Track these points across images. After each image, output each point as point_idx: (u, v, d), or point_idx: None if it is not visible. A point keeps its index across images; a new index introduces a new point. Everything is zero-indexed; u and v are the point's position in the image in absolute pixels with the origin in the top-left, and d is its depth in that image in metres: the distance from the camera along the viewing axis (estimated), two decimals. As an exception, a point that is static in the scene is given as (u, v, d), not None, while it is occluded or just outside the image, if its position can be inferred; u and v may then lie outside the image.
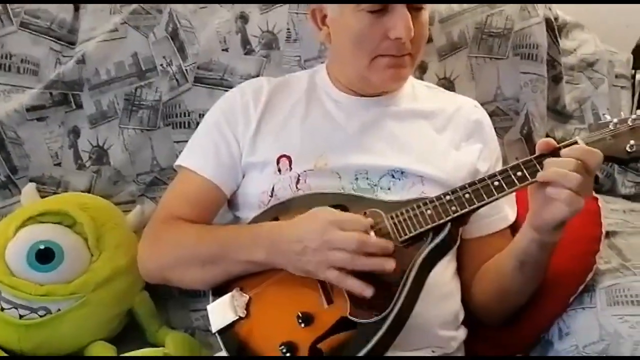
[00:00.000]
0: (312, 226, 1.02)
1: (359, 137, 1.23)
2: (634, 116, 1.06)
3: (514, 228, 1.26)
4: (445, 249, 1.05)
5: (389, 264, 0.99)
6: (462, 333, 1.22)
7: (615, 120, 1.06)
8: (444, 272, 1.18)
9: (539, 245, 1.09)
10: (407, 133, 1.24)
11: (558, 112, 1.62)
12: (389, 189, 1.19)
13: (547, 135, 1.57)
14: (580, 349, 1.19)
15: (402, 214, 1.05)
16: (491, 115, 1.36)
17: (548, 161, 1.01)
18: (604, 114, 1.59)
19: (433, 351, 1.16)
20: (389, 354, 1.02)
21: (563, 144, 1.03)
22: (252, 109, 1.25)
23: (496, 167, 1.28)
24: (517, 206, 1.28)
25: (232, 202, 1.29)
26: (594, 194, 1.32)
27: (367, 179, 1.19)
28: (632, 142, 1.02)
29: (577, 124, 1.62)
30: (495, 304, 1.22)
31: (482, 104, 1.36)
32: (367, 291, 0.98)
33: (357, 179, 1.20)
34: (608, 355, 1.13)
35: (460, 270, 1.25)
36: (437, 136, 1.26)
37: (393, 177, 1.20)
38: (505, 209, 1.24)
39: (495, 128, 1.33)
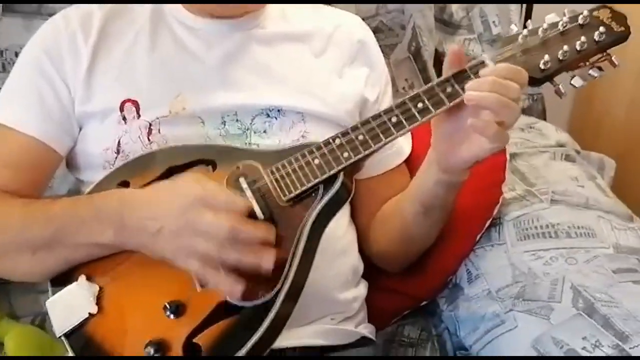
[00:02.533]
0: (173, 202, 0.80)
1: (222, 70, 1.00)
2: (544, 25, 0.89)
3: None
4: (339, 203, 0.86)
5: (267, 259, 0.77)
6: (362, 289, 1.07)
7: (524, 31, 0.89)
8: (338, 224, 1.01)
9: (446, 187, 0.94)
10: (280, 61, 1.03)
11: (445, 23, 1.45)
12: (264, 131, 0.98)
13: (437, 51, 1.40)
14: (494, 293, 1.06)
15: (284, 167, 0.85)
16: (375, 32, 1.17)
17: (477, 82, 0.82)
18: (493, 22, 1.47)
19: (332, 318, 0.99)
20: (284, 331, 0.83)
21: (469, 64, 0.85)
22: (81, 41, 0.98)
23: (386, 93, 1.11)
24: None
25: (70, 162, 1.04)
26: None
27: (238, 121, 0.98)
28: (545, 57, 0.86)
29: (466, 34, 1.47)
30: (399, 251, 1.08)
31: (363, 20, 1.16)
32: (236, 290, 0.77)
33: (224, 123, 0.98)
34: (526, 298, 1.01)
35: (354, 216, 1.09)
36: (316, 62, 1.06)
37: (268, 116, 0.99)
38: (398, 141, 1.07)
39: (380, 47, 1.15)
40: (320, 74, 1.04)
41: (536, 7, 1.61)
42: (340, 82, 1.05)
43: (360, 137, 0.84)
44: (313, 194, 0.84)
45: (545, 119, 1.51)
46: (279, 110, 0.99)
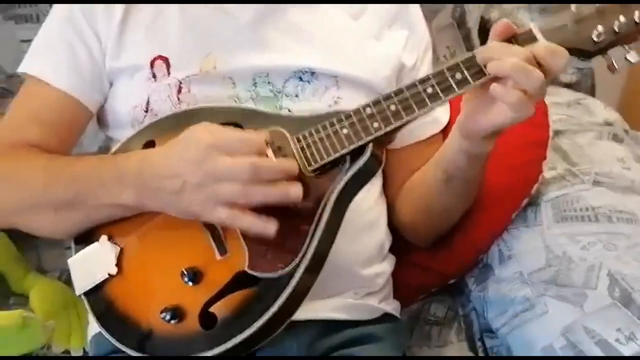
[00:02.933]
0: (188, 154, 0.77)
1: (255, 30, 0.96)
2: None
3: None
4: (367, 175, 0.83)
5: (295, 190, 0.76)
6: (388, 265, 1.04)
7: (576, -1, 0.82)
8: (367, 196, 0.97)
9: (467, 157, 0.89)
10: (314, 22, 0.99)
11: (493, -12, 1.37)
12: (296, 95, 0.95)
13: (482, 19, 1.34)
14: (525, 276, 1.02)
15: (311, 135, 0.82)
16: (416, -5, 1.11)
17: (502, 48, 0.78)
18: (552, -14, 1.39)
19: (355, 293, 0.96)
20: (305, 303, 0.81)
21: (516, 34, 0.80)
22: None
23: (425, 59, 1.06)
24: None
25: (100, 120, 1.02)
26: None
27: (269, 83, 0.95)
28: (600, 28, 0.80)
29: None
30: (421, 222, 1.04)
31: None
32: (269, 228, 0.76)
33: (255, 84, 0.94)
34: (559, 284, 0.96)
35: (384, 187, 1.05)
36: (353, 23, 1.01)
37: (301, 79, 0.95)
38: (436, 110, 1.02)
39: (422, 11, 1.09)
40: (356, 36, 1.00)
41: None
42: (377, 45, 1.01)
43: (393, 107, 0.79)
44: (340, 165, 0.81)
45: (594, 95, 1.43)
46: (312, 74, 0.95)
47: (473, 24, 1.31)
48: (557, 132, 1.21)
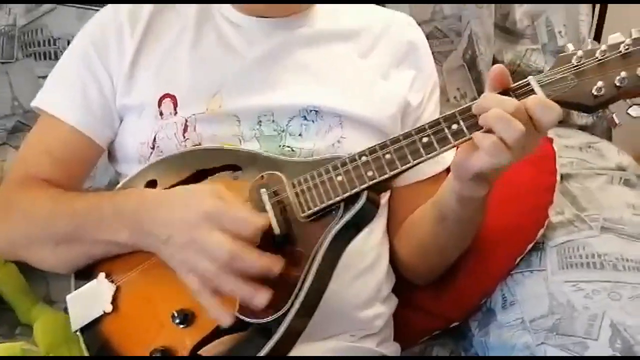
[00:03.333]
0: (185, 214, 0.78)
1: (262, 69, 0.98)
2: (603, 47, 0.81)
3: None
4: (362, 222, 0.83)
5: (260, 298, 0.75)
6: (388, 306, 1.03)
7: (579, 52, 0.81)
8: (370, 236, 0.98)
9: (458, 198, 0.88)
10: (321, 60, 1.00)
11: (507, 31, 1.38)
12: (300, 134, 0.96)
13: (494, 59, 1.34)
14: (527, 323, 1.00)
15: (306, 180, 0.82)
16: (428, 38, 1.11)
17: (495, 99, 0.77)
18: (559, 32, 1.39)
19: (352, 335, 0.96)
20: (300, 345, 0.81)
21: (514, 85, 0.80)
22: (127, 34, 0.98)
23: (432, 99, 1.06)
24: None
25: (110, 154, 1.04)
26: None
27: (274, 122, 0.96)
28: (599, 83, 0.79)
29: (529, 44, 1.39)
30: (418, 262, 1.04)
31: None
32: (224, 319, 0.77)
33: (260, 123, 0.95)
34: (560, 332, 0.95)
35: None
36: (361, 62, 1.02)
37: (305, 118, 0.96)
38: None
39: (433, 53, 1.10)
40: (363, 75, 1.01)
41: (610, 17, 1.51)
42: (384, 84, 1.01)
43: (388, 156, 0.80)
44: (333, 212, 0.81)
45: (610, 139, 1.42)
46: (316, 113, 0.96)
47: (484, 66, 1.31)
48: (567, 176, 1.20)
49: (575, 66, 0.79)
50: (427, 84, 1.06)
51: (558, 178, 1.10)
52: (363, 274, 0.96)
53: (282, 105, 0.96)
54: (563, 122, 1.40)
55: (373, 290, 0.98)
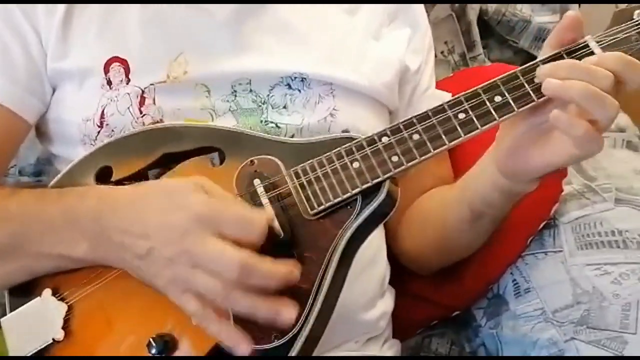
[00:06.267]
0: (167, 218, 0.61)
1: (235, 28, 0.80)
2: None
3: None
4: (380, 218, 0.67)
5: (287, 316, 0.59)
6: (389, 302, 0.89)
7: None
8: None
9: (505, 197, 0.75)
10: (305, 18, 0.83)
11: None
12: (284, 107, 0.79)
13: (480, 9, 1.18)
14: (549, 314, 0.88)
15: (313, 169, 0.66)
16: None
17: (572, 65, 0.63)
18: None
19: (357, 342, 0.83)
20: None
21: (567, 47, 0.65)
22: None
23: (428, 62, 0.92)
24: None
25: (40, 131, 0.84)
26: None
27: (251, 91, 0.78)
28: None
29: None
30: (433, 255, 0.91)
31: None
32: (242, 347, 0.59)
33: (235, 93, 0.78)
34: (591, 326, 0.83)
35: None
36: (349, 20, 0.85)
37: (289, 87, 0.79)
38: None
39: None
40: (353, 36, 0.85)
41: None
42: (376, 45, 0.86)
43: (416, 137, 0.64)
44: (348, 207, 0.65)
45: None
46: (302, 80, 0.79)
47: (473, 15, 1.16)
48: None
49: (637, 23, 0.65)
50: (424, 43, 0.92)
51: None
52: (366, 268, 0.82)
53: (260, 72, 0.79)
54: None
55: (377, 285, 0.85)
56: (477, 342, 1.00)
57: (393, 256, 0.93)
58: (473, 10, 1.16)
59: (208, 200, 0.61)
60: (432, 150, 0.64)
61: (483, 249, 0.93)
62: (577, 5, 1.30)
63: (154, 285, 0.62)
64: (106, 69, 0.77)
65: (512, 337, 0.92)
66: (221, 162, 0.70)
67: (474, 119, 0.64)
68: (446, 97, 0.93)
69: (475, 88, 0.64)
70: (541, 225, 0.95)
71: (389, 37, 0.87)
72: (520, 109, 0.64)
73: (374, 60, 0.84)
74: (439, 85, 0.95)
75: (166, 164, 0.71)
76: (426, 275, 0.96)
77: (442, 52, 1.15)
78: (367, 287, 0.83)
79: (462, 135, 0.64)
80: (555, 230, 0.95)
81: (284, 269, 0.59)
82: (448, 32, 1.15)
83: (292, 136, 0.76)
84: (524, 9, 1.27)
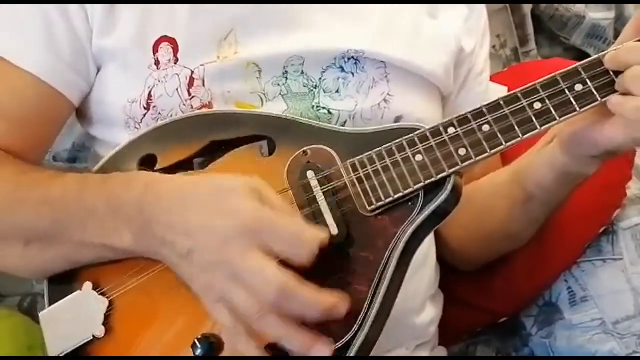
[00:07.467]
0: (214, 221, 0.57)
1: (286, 4, 0.75)
2: None
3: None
4: (442, 216, 0.63)
5: (321, 348, 0.55)
6: (438, 306, 0.86)
7: None
8: None
9: (565, 177, 0.71)
10: None
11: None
12: (336, 91, 0.74)
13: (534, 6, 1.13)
14: (609, 325, 0.84)
15: (371, 161, 0.62)
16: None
17: (620, 51, 0.60)
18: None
19: (407, 348, 0.79)
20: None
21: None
22: None
23: (484, 46, 0.87)
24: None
25: (81, 111, 0.79)
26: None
27: (303, 74, 0.74)
28: None
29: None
30: (473, 245, 0.86)
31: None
32: None
33: (286, 74, 0.73)
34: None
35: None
36: None
37: (343, 70, 0.75)
38: None
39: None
40: (408, 11, 0.79)
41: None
42: (432, 23, 0.81)
43: (486, 128, 0.60)
44: (409, 203, 0.61)
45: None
46: (356, 63, 0.75)
47: (529, 9, 1.11)
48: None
49: None
50: (479, 25, 0.87)
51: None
52: (419, 269, 0.78)
53: (315, 50, 0.74)
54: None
55: (427, 287, 0.81)
56: (525, 352, 0.95)
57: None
58: (527, 5, 1.11)
59: (260, 209, 0.57)
60: (504, 143, 0.59)
61: (536, 252, 0.89)
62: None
63: (189, 284, 0.59)
64: (155, 49, 0.72)
65: (567, 348, 0.88)
66: (271, 152, 0.66)
67: (552, 109, 0.59)
68: (502, 90, 0.90)
69: (552, 74, 0.60)
70: (600, 230, 0.91)
71: (445, 14, 0.82)
72: (604, 99, 0.59)
73: (428, 39, 0.79)
74: (493, 80, 0.91)
75: (212, 152, 0.67)
76: (469, 271, 0.91)
77: (493, 47, 1.10)
78: (419, 288, 0.79)
79: (538, 127, 0.59)
80: (614, 236, 0.91)
81: (329, 301, 0.55)
82: (501, 25, 1.10)
83: (345, 123, 0.72)
84: (578, 5, 1.22)
